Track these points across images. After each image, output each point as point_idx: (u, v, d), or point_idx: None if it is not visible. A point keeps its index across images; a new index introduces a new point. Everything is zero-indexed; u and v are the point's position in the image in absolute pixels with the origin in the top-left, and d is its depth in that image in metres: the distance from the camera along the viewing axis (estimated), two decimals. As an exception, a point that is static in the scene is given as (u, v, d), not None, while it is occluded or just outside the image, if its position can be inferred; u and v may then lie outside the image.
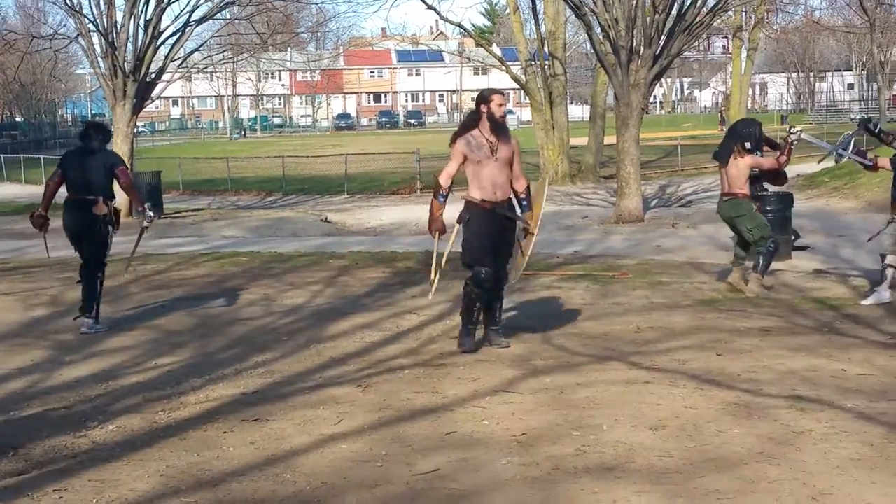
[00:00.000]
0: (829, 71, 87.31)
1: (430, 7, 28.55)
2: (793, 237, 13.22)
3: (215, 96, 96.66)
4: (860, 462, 5.10)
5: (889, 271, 9.60)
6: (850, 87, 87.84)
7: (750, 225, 10.32)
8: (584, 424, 5.89)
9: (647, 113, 22.54)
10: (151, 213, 9.70)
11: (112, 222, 9.40)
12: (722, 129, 13.54)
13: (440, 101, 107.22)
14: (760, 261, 10.38)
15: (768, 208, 12.77)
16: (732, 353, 7.63)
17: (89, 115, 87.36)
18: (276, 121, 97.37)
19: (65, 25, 34.60)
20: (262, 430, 6.00)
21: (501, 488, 4.91)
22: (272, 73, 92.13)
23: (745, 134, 10.47)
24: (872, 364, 7.19)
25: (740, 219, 10.38)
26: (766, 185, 13.50)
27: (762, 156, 10.89)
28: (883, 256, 9.82)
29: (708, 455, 5.28)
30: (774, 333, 8.36)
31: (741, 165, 10.34)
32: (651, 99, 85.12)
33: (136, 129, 25.51)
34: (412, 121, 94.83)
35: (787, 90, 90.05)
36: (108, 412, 6.51)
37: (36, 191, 34.15)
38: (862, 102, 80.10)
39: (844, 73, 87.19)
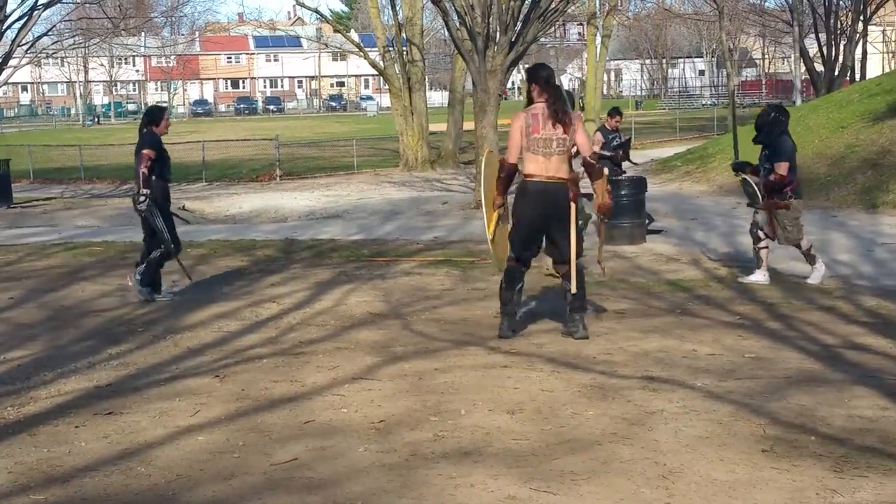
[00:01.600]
0: (680, 57, 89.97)
1: (286, -8, 28.21)
2: (647, 220, 13.57)
3: (66, 82, 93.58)
4: (709, 440, 5.28)
5: (763, 252, 9.93)
6: (702, 73, 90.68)
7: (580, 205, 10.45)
8: (443, 410, 5.94)
9: (504, 99, 22.78)
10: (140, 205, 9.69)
11: (141, 203, 9.62)
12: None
13: (299, 87, 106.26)
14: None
15: (622, 192, 13.11)
16: (589, 335, 7.79)
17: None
18: (131, 107, 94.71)
19: None
20: (116, 424, 5.86)
21: (359, 476, 4.91)
22: (126, 59, 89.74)
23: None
24: (721, 344, 7.45)
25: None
26: (625, 167, 13.87)
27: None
28: (756, 239, 10.09)
29: (563, 437, 5.39)
30: (629, 316, 8.58)
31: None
32: (509, 85, 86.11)
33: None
34: (271, 107, 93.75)
35: (641, 76, 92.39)
36: (-48, 410, 6.26)
37: None
38: (712, 88, 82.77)
39: (695, 59, 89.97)
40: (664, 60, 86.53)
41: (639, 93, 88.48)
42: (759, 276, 9.96)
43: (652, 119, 49.67)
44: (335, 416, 5.89)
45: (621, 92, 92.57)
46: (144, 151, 9.58)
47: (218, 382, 6.74)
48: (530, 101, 7.66)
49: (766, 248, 10.01)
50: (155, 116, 9.89)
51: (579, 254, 7.70)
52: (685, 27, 79.52)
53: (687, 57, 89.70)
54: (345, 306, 9.37)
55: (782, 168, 9.61)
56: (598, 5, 37.19)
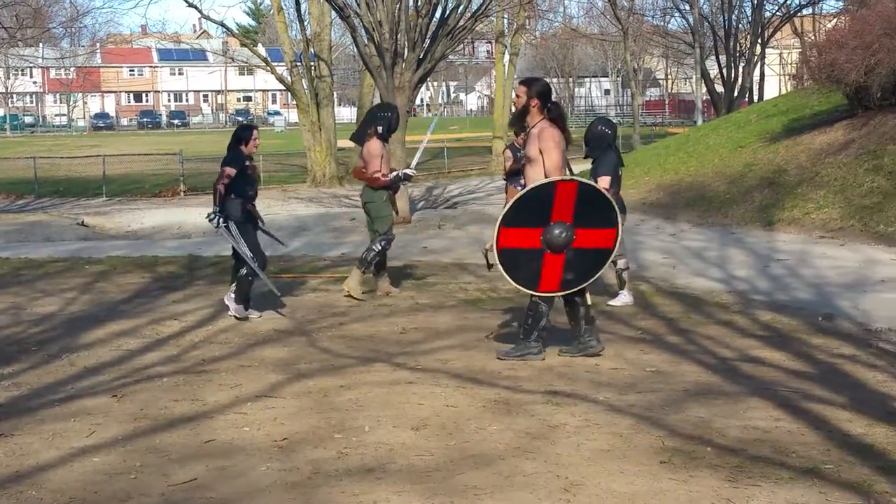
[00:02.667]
0: (587, 77, 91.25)
1: (191, 5, 27.94)
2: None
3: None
4: (609, 453, 5.35)
5: (624, 274, 10.03)
6: (607, 92, 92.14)
7: (374, 215, 10.50)
8: (347, 427, 5.90)
9: (413, 115, 22.88)
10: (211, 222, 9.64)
11: (218, 220, 9.50)
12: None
13: (205, 101, 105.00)
14: (368, 255, 10.47)
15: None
16: (493, 351, 7.82)
17: None
18: (28, 120, 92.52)
19: None
20: (7, 446, 5.68)
21: (260, 495, 4.85)
22: (23, 70, 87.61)
23: (379, 118, 10.51)
24: (623, 358, 7.57)
25: (370, 205, 10.54)
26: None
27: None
28: (614, 263, 10.21)
29: (467, 452, 5.40)
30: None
31: (365, 149, 10.42)
32: (417, 102, 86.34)
33: None
34: (175, 121, 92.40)
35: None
36: None
37: None
38: (618, 108, 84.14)
39: (601, 78, 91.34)
40: (571, 79, 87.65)
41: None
42: (626, 298, 10.01)
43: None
44: (237, 435, 5.81)
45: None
46: (225, 169, 9.48)
47: (115, 402, 6.59)
48: (523, 115, 7.58)
49: (627, 268, 10.06)
50: (243, 135, 9.78)
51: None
52: (591, 47, 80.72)
53: (593, 76, 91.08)
54: (249, 323, 9.27)
55: (604, 182, 9.50)
56: (505, 24, 37.55)
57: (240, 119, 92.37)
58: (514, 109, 7.83)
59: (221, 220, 9.48)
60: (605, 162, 9.75)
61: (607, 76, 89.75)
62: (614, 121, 11.01)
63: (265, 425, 5.99)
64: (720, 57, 40.61)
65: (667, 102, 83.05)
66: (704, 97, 46.40)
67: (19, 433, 5.93)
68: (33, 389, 6.98)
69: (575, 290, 7.56)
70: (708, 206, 18.18)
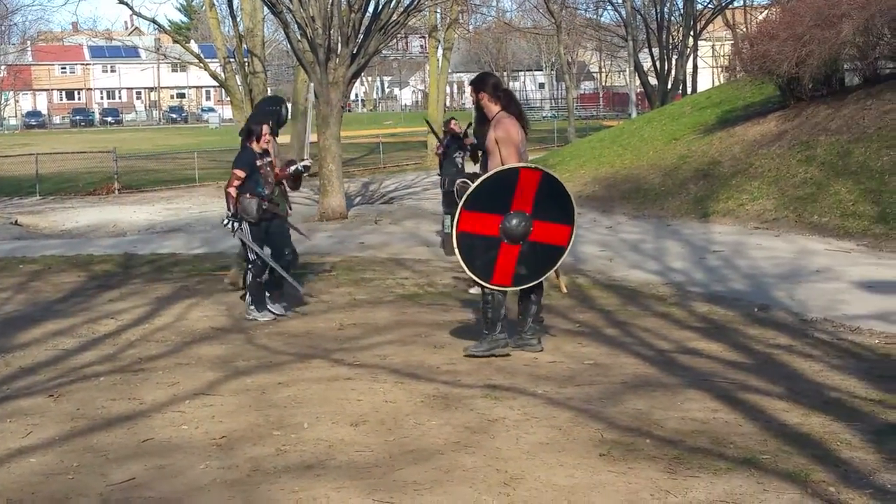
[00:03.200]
0: (521, 71, 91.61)
1: (121, 1, 27.53)
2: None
3: None
4: (549, 446, 5.39)
5: None
6: (542, 86, 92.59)
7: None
8: (286, 424, 5.89)
9: (348, 111, 22.84)
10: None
11: (232, 224, 9.26)
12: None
13: (138, 98, 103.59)
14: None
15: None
16: (432, 346, 7.85)
17: None
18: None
19: None
20: (-59, 450, 5.61)
21: (199, 494, 4.83)
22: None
23: (267, 112, 10.33)
24: (561, 351, 7.63)
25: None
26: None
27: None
28: None
29: (407, 447, 5.42)
30: (473, 326, 8.67)
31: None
32: (352, 97, 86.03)
33: None
34: (109, 119, 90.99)
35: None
36: None
37: None
38: (553, 101, 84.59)
39: (536, 72, 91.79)
40: (505, 73, 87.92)
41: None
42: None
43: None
44: (175, 434, 5.78)
45: (464, 104, 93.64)
46: (234, 171, 9.16)
47: (52, 402, 6.52)
48: (480, 111, 7.58)
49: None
50: (252, 132, 9.43)
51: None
52: (525, 41, 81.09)
53: (528, 70, 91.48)
54: (186, 321, 9.20)
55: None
56: (438, 18, 37.58)
57: (174, 116, 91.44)
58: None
59: (235, 223, 9.22)
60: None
61: (542, 70, 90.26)
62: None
63: (203, 423, 5.96)
64: (653, 49, 41.00)
65: (601, 95, 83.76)
66: (638, 90, 46.83)
67: (-47, 436, 5.85)
68: (-34, 391, 6.88)
69: (527, 286, 7.52)
70: (644, 198, 18.37)
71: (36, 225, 21.25)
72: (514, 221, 7.25)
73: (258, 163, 9.36)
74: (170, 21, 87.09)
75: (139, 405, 6.40)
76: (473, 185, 7.34)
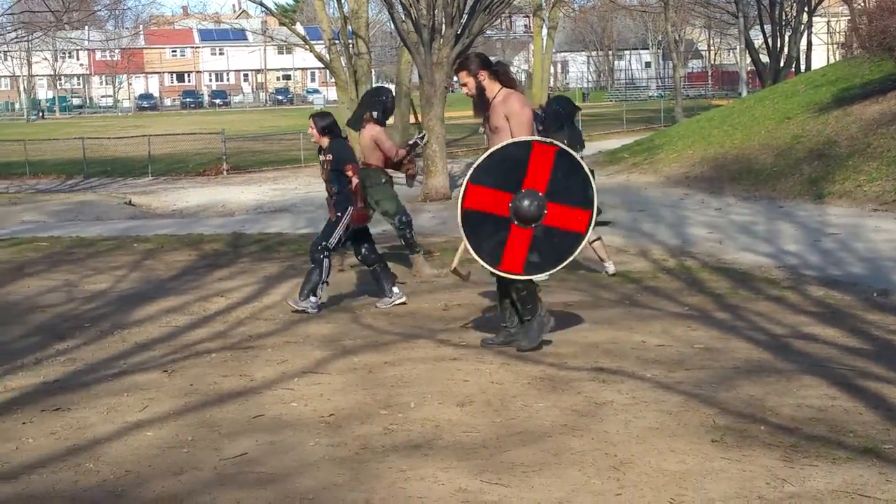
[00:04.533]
0: (627, 49, 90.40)
1: (231, -16, 27.95)
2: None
3: (10, 76, 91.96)
4: (659, 430, 5.29)
5: (597, 244, 10.03)
6: (648, 65, 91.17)
7: (377, 197, 10.00)
8: (393, 403, 5.91)
9: (451, 91, 22.80)
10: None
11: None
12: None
13: (245, 80, 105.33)
14: (406, 239, 10.30)
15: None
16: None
17: None
18: (76, 102, 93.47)
19: None
20: (64, 420, 5.78)
21: (310, 469, 4.87)
22: (70, 53, 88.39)
23: (373, 103, 10.23)
24: (671, 335, 7.49)
25: (370, 190, 9.89)
26: None
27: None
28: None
29: (514, 429, 5.39)
30: (577, 307, 8.60)
31: (366, 136, 10.06)
32: (455, 77, 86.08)
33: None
34: (217, 101, 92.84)
35: (588, 68, 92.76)
36: None
37: None
38: (659, 80, 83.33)
39: (641, 51, 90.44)
40: (610, 52, 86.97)
41: (585, 85, 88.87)
42: (608, 267, 10.09)
43: (599, 111, 49.97)
44: (285, 411, 5.84)
45: (568, 84, 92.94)
46: (352, 165, 8.98)
47: (166, 377, 6.66)
48: (481, 93, 6.95)
49: (599, 239, 10.03)
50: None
51: None
52: (631, 19, 79.97)
53: (633, 49, 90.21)
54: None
55: None
56: (544, -3, 37.32)
57: (280, 98, 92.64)
58: (472, 100, 7.05)
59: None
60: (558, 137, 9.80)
61: (648, 48, 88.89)
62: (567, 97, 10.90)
63: (312, 401, 6.02)
64: (765, 26, 40.05)
65: (710, 74, 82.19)
66: (749, 68, 45.80)
67: (75, 407, 6.02)
68: (88, 364, 7.08)
69: (540, 276, 7.03)
70: (755, 179, 17.98)
71: (149, 205, 21.80)
72: (526, 202, 6.69)
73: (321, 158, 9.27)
74: (276, 4, 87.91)
75: (250, 382, 6.49)
76: (481, 157, 6.87)
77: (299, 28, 35.20)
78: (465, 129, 40.62)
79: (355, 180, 8.91)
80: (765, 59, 40.08)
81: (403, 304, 8.96)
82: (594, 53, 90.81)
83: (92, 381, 6.62)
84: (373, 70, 32.09)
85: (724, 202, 16.50)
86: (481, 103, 7.00)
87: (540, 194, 6.70)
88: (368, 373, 6.64)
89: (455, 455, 5.01)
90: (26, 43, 43.82)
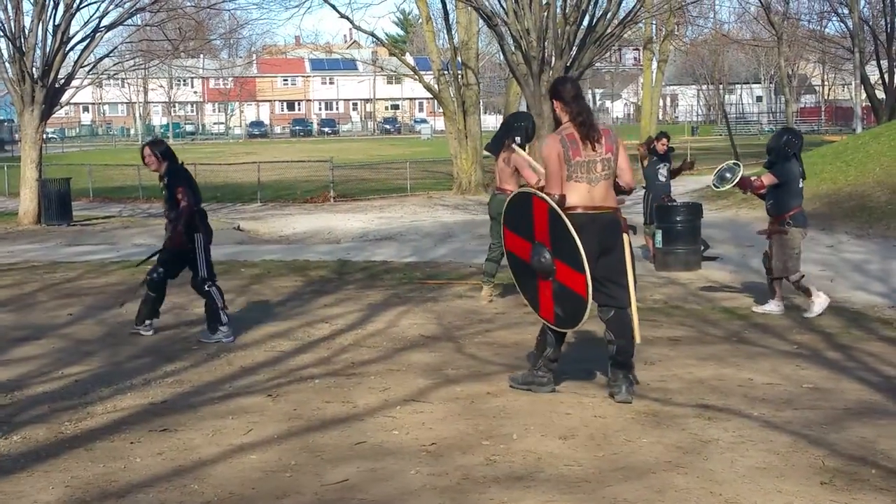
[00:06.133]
0: (738, 83, 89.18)
1: (343, 16, 28.50)
2: (702, 247, 13.45)
3: (127, 103, 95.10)
4: (766, 471, 5.18)
5: (803, 282, 9.78)
6: (759, 99, 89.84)
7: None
8: (495, 434, 5.90)
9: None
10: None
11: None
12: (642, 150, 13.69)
13: (354, 109, 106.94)
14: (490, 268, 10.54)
15: (677, 218, 13.04)
16: (642, 362, 7.70)
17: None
18: (189, 128, 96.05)
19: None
20: (170, 441, 5.91)
21: (411, 498, 4.89)
22: (184, 80, 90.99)
23: (514, 128, 10.29)
24: (779, 373, 7.33)
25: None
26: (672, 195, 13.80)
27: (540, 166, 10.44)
28: (768, 270, 9.98)
29: (617, 464, 5.33)
30: (684, 343, 8.49)
31: (504, 161, 10.10)
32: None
33: (45, 136, 25.02)
34: (326, 129, 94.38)
35: (698, 102, 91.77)
36: (12, 423, 6.35)
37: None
38: (770, 115, 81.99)
39: (753, 85, 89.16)
40: (721, 86, 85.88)
41: (695, 118, 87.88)
42: (773, 307, 9.78)
43: (708, 145, 49.31)
44: (387, 438, 5.88)
45: (677, 117, 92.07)
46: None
47: (271, 402, 6.76)
48: (558, 123, 6.74)
49: (803, 276, 9.84)
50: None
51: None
52: (743, 53, 79.04)
53: (744, 83, 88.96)
54: (397, 328, 9.37)
55: (766, 177, 9.73)
56: (654, 30, 37.10)
57: (387, 127, 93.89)
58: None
59: None
60: (778, 168, 9.73)
61: (759, 83, 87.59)
62: (797, 129, 10.73)
63: (414, 429, 6.04)
64: (881, 61, 39.15)
65: (823, 109, 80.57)
66: (864, 104, 44.79)
67: (182, 428, 6.16)
68: (194, 387, 7.23)
69: (566, 330, 6.73)
70: (869, 217, 17.53)
71: (256, 230, 22.18)
72: (537, 256, 6.49)
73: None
74: (387, 34, 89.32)
75: (352, 408, 6.55)
76: (507, 200, 6.84)
77: (409, 59, 35.61)
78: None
79: (184, 203, 8.94)
80: (880, 94, 39.13)
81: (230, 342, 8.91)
82: (704, 87, 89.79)
83: (198, 403, 6.76)
84: (481, 101, 32.24)
85: (836, 239, 16.11)
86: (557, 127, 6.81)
87: (547, 248, 6.46)
88: (471, 403, 6.64)
89: (557, 489, 4.97)
90: (143, 70, 45.18)
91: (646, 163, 14.01)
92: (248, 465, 5.43)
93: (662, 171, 13.67)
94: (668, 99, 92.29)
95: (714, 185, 10.49)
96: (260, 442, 5.84)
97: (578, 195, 6.44)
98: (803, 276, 9.82)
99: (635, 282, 6.78)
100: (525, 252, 6.62)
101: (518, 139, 10.02)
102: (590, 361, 7.78)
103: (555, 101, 6.69)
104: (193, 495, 5.00)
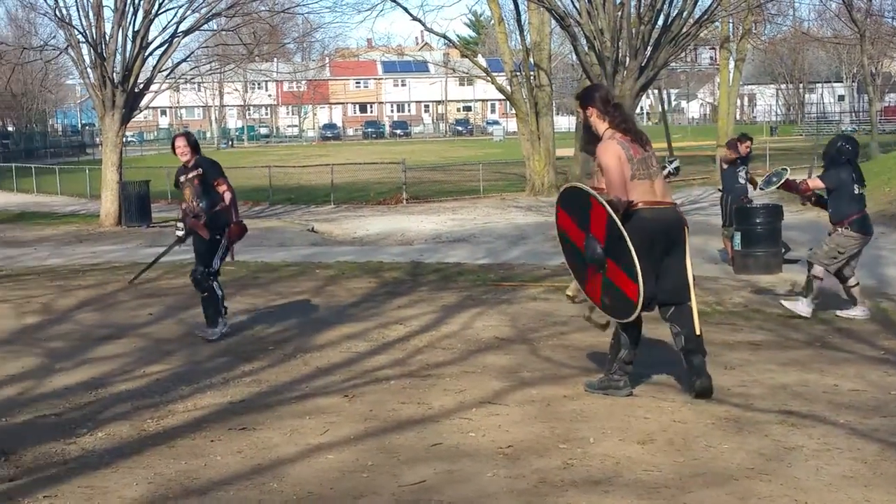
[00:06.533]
0: (818, 82, 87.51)
1: (415, 18, 28.62)
2: (783, 250, 13.24)
3: (203, 106, 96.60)
4: (853, 479, 5.06)
5: (815, 283, 9.61)
6: (841, 98, 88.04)
7: None
8: (571, 437, 5.85)
9: (634, 124, 22.60)
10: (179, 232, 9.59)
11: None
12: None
13: (426, 111, 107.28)
14: None
15: (757, 220, 12.86)
16: (721, 366, 7.59)
17: (79, 125, 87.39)
18: (263, 131, 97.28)
19: (55, 37, 34.52)
20: (249, 439, 5.96)
21: (488, 501, 4.86)
22: (259, 84, 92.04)
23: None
24: (865, 379, 7.16)
25: None
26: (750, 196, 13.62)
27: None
28: (810, 265, 9.80)
29: (698, 470, 5.24)
30: (765, 347, 8.34)
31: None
32: (637, 110, 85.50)
33: (124, 139, 25.48)
34: (398, 131, 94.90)
35: (777, 102, 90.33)
36: (97, 419, 6.47)
37: (26, 199, 34.11)
38: (853, 114, 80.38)
39: (835, 84, 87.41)
40: (801, 85, 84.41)
41: (773, 118, 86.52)
42: (857, 311, 9.57)
43: (788, 145, 48.59)
44: (463, 440, 5.86)
45: (755, 117, 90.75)
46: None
47: (347, 402, 6.79)
48: (588, 130, 6.81)
49: (856, 284, 9.65)
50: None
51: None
52: (823, 51, 77.48)
53: (825, 81, 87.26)
54: (471, 330, 9.35)
55: (816, 181, 9.71)
56: (731, 29, 36.57)
57: (459, 129, 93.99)
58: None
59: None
60: (828, 174, 9.63)
61: (841, 81, 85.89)
62: (853, 136, 10.60)
63: (490, 432, 6.01)
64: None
65: (909, 108, 78.78)
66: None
67: (260, 427, 6.21)
68: (272, 386, 7.29)
69: (609, 320, 6.79)
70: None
71: (330, 232, 22.34)
72: (591, 248, 6.49)
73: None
74: (458, 36, 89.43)
75: (428, 410, 6.54)
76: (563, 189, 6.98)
77: (481, 60, 35.61)
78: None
79: (228, 195, 9.03)
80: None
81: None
82: (783, 86, 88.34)
83: (275, 403, 6.81)
84: (553, 102, 32.13)
85: (919, 242, 15.73)
86: (588, 137, 6.86)
87: (601, 245, 6.45)
88: (546, 406, 6.59)
89: (636, 493, 4.90)
90: (219, 74, 45.78)
91: (725, 165, 13.83)
92: (325, 465, 5.45)
93: (742, 174, 13.52)
94: (746, 99, 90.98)
95: (761, 187, 10.48)
96: (337, 442, 5.86)
97: (642, 191, 6.50)
98: (857, 283, 9.70)
99: (694, 278, 6.80)
100: (579, 239, 6.65)
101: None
102: (668, 365, 7.68)
103: (589, 109, 6.73)
104: (272, 493, 5.03)
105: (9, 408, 6.83)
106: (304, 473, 5.32)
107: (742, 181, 13.49)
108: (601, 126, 6.67)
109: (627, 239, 6.26)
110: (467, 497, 4.92)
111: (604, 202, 6.37)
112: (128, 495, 5.07)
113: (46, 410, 6.75)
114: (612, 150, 6.49)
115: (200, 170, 9.17)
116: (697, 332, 6.59)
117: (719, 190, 14.43)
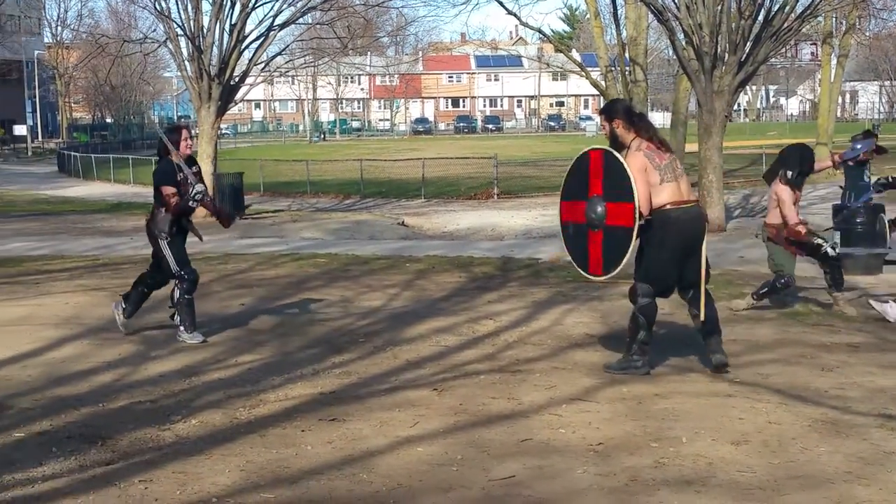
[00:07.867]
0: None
1: (510, 12, 28.38)
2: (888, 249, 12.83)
3: (296, 100, 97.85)
4: (955, 485, 4.91)
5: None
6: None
7: (772, 251, 9.96)
8: (663, 436, 5.77)
9: (730, 121, 22.18)
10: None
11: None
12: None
13: (518, 106, 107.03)
14: (761, 290, 9.97)
15: (857, 220, 12.52)
16: (818, 368, 7.43)
17: (175, 118, 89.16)
18: (355, 124, 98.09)
19: (154, 30, 35.36)
20: (340, 430, 6.01)
21: (578, 497, 4.82)
22: (352, 78, 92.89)
23: (790, 162, 9.75)
24: (968, 383, 6.94)
25: (773, 246, 9.92)
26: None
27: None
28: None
29: (793, 472, 5.13)
30: (863, 350, 8.13)
31: (772, 192, 9.76)
32: (734, 106, 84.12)
33: (219, 131, 25.92)
34: (490, 126, 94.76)
35: (880, 99, 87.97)
36: (191, 407, 6.59)
37: (123, 190, 34.94)
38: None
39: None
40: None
41: (876, 116, 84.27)
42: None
43: (892, 143, 47.35)
44: (553, 436, 5.83)
45: (857, 115, 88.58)
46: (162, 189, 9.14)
47: (436, 395, 6.79)
48: (614, 141, 7.33)
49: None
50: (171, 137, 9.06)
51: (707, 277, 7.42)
52: (930, 46, 75.27)
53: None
54: (562, 326, 9.29)
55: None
56: (834, 24, 35.69)
57: (552, 124, 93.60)
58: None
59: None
60: None
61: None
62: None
63: (580, 428, 5.97)
64: None
65: None
66: None
67: (350, 419, 6.25)
68: (361, 378, 7.33)
69: (613, 272, 7.36)
70: None
71: (420, 226, 22.43)
72: (593, 205, 7.25)
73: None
74: (553, 31, 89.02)
75: (517, 405, 6.52)
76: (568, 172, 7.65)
77: (575, 55, 35.33)
78: (743, 158, 39.56)
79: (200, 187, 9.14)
80: None
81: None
82: (887, 83, 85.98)
83: (365, 395, 6.85)
84: (649, 98, 31.76)
85: None
86: (615, 148, 7.32)
87: (600, 196, 7.21)
88: (638, 403, 6.52)
89: (730, 495, 4.82)
90: (313, 68, 46.25)
91: (851, 163, 13.37)
92: (414, 458, 5.46)
93: (867, 172, 13.16)
94: (848, 96, 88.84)
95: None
96: (426, 435, 5.87)
97: (670, 193, 7.15)
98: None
99: (708, 265, 7.45)
100: (580, 213, 7.37)
101: (790, 173, 9.67)
102: (762, 365, 7.55)
103: (615, 121, 7.33)
104: (362, 484, 5.06)
105: (106, 394, 6.98)
106: (394, 465, 5.34)
107: (866, 179, 13.12)
108: (627, 136, 7.29)
109: (618, 158, 7.12)
110: (557, 493, 4.89)
111: (598, 146, 7.35)
112: (220, 482, 5.15)
113: (142, 397, 6.89)
114: (639, 160, 7.12)
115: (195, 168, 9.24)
116: (702, 318, 7.32)
117: (840, 187, 14.04)
